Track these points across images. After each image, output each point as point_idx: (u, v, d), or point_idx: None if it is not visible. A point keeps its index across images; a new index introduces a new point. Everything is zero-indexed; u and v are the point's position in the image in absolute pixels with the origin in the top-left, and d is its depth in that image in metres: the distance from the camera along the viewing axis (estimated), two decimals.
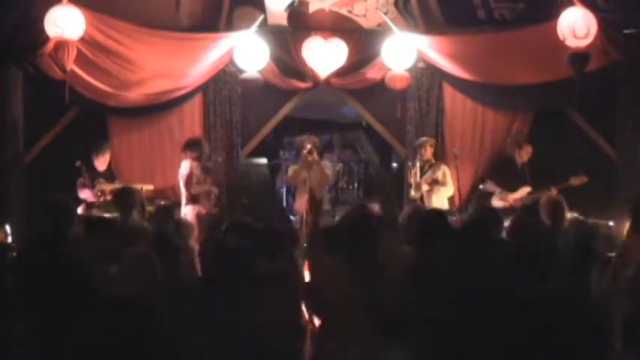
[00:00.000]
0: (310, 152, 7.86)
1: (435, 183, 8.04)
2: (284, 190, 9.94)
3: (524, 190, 7.92)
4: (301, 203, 7.89)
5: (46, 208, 4.69)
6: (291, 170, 8.30)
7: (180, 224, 5.66)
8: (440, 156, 8.43)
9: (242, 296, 3.38)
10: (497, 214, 5.10)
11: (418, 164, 8.17)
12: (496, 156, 8.60)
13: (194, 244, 5.57)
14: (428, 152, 8.17)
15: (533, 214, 5.27)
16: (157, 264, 3.95)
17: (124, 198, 5.96)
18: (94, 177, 7.45)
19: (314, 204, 7.87)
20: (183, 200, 7.68)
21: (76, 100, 7.75)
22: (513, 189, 7.98)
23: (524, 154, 8.11)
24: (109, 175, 7.72)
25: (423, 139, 8.31)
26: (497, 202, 7.99)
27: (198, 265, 5.28)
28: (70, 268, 2.84)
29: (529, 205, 5.88)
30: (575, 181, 7.69)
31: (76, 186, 7.40)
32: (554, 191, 7.58)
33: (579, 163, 7.96)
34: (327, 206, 8.07)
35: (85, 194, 7.39)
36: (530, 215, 5.08)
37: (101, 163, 7.71)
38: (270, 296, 3.50)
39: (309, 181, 7.79)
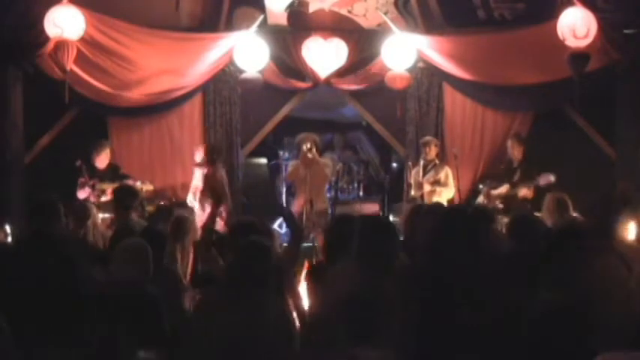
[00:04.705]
0: (310, 150, 7.84)
1: (436, 184, 8.04)
2: (284, 190, 9.94)
3: (504, 188, 7.86)
4: (300, 201, 7.87)
5: (33, 207, 4.74)
6: (290, 166, 8.29)
7: (179, 220, 5.65)
8: (440, 156, 8.43)
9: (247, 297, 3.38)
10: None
11: (422, 162, 8.15)
12: (497, 155, 8.61)
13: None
14: (432, 152, 8.14)
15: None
16: (150, 254, 4.03)
17: (122, 198, 5.90)
18: (92, 176, 7.43)
19: (313, 202, 7.85)
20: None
21: (76, 100, 7.75)
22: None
23: (516, 153, 8.06)
24: (111, 173, 7.68)
25: (428, 138, 8.29)
26: (481, 199, 8.01)
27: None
28: (57, 265, 2.86)
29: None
30: (543, 181, 7.39)
31: (76, 185, 7.39)
32: (524, 190, 7.53)
33: (579, 163, 7.96)
34: (325, 205, 8.03)
35: (84, 194, 7.38)
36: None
37: (101, 161, 7.68)
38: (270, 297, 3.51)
39: (309, 178, 7.77)
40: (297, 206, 8.00)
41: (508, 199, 7.72)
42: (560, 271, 3.27)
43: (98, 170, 7.63)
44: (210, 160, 7.71)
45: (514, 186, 7.75)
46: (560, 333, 2.69)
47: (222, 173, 7.89)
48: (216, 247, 5.12)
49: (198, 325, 3.55)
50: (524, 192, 7.57)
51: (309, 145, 7.81)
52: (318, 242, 7.05)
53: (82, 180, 7.36)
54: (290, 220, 6.23)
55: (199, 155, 7.81)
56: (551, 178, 7.41)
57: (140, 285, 3.78)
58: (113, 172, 7.71)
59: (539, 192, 7.22)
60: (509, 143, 8.15)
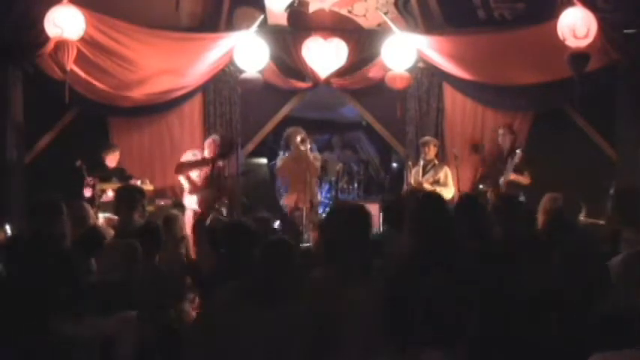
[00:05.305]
0: (303, 141, 7.81)
1: (436, 183, 8.06)
2: (284, 190, 9.93)
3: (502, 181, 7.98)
4: (293, 197, 7.83)
5: (34, 207, 4.75)
6: (280, 161, 8.26)
7: (168, 218, 5.67)
8: (440, 156, 8.44)
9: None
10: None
11: (421, 162, 8.20)
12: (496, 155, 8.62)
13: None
14: (431, 152, 8.18)
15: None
16: (139, 253, 4.04)
17: (127, 198, 5.82)
18: (93, 175, 7.43)
19: (312, 201, 7.84)
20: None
21: (76, 100, 7.74)
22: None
23: (507, 141, 8.22)
24: (118, 173, 7.74)
25: (427, 138, 8.33)
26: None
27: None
28: (57, 263, 2.87)
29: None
30: (517, 158, 7.78)
31: (75, 185, 7.39)
32: (513, 176, 7.79)
33: (579, 163, 7.95)
34: (319, 199, 8.03)
35: (88, 193, 7.40)
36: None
37: (111, 160, 7.78)
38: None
39: (309, 178, 7.74)
40: (289, 201, 7.97)
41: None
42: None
43: (107, 169, 7.67)
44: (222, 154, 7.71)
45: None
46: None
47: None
48: (210, 240, 5.10)
49: (208, 325, 3.47)
50: (513, 177, 7.83)
51: (301, 138, 7.77)
52: (312, 239, 7.03)
53: (88, 179, 7.38)
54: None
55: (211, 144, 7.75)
56: (518, 152, 7.81)
57: (128, 284, 3.78)
58: (121, 173, 7.74)
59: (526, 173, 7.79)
60: (500, 132, 8.30)
